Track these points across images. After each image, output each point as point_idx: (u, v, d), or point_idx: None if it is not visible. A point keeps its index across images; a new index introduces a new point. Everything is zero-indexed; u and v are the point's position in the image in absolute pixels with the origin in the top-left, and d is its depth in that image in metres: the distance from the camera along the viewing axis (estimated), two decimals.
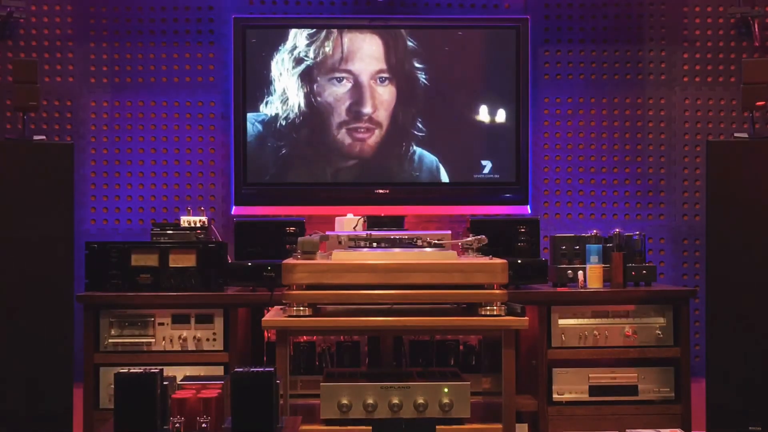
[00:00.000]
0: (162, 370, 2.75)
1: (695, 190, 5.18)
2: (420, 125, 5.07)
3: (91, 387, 4.38)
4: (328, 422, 3.67)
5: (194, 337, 4.44)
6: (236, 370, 2.77)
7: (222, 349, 4.44)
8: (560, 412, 4.47)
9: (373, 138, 5.06)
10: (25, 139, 4.60)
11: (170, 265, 4.47)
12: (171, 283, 4.46)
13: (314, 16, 5.15)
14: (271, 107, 5.02)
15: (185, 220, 4.69)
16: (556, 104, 5.22)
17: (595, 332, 4.49)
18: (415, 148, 5.07)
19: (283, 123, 5.03)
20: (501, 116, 5.07)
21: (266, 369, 2.76)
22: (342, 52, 5.04)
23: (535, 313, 4.43)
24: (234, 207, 5.01)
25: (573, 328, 4.50)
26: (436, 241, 3.81)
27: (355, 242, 3.85)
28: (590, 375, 4.50)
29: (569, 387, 4.49)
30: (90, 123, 5.11)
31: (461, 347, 4.64)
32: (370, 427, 3.64)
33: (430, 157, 5.07)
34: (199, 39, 5.15)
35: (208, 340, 4.44)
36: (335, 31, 5.04)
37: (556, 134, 5.22)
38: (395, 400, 3.66)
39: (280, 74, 5.03)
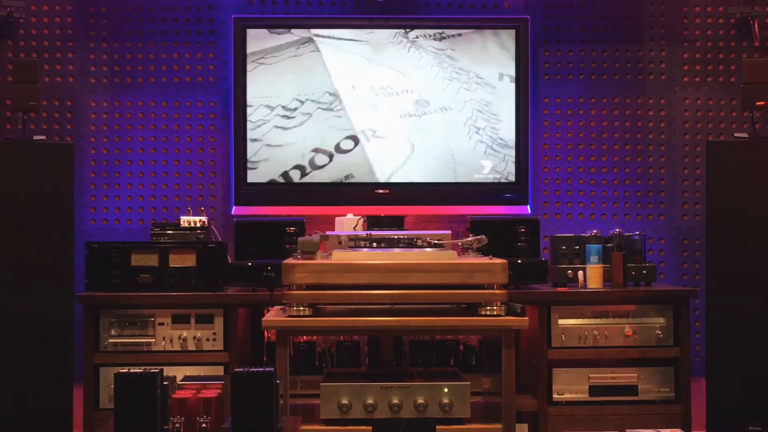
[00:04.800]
0: (162, 370, 2.75)
1: (695, 190, 5.18)
2: None
3: (91, 387, 4.38)
4: (328, 422, 3.68)
5: (194, 337, 4.44)
6: (236, 370, 2.77)
7: (222, 349, 4.44)
8: (560, 412, 4.46)
9: None
10: (25, 139, 4.60)
11: (170, 265, 4.47)
12: (171, 283, 4.46)
13: (314, 16, 5.15)
14: None
15: (185, 220, 4.68)
16: (556, 104, 5.22)
17: (595, 332, 4.49)
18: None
19: None
20: (501, 116, 5.06)
21: (266, 369, 2.77)
22: None
23: (535, 313, 4.43)
24: (234, 207, 5.01)
25: (573, 328, 4.50)
26: (436, 241, 3.81)
27: (355, 242, 3.85)
28: (590, 375, 4.50)
29: (569, 387, 4.49)
30: (90, 123, 5.11)
31: (461, 347, 4.64)
32: (370, 427, 3.65)
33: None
34: (199, 39, 5.15)
35: (208, 340, 4.44)
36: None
37: (556, 134, 5.22)
38: (395, 400, 3.66)
39: None
